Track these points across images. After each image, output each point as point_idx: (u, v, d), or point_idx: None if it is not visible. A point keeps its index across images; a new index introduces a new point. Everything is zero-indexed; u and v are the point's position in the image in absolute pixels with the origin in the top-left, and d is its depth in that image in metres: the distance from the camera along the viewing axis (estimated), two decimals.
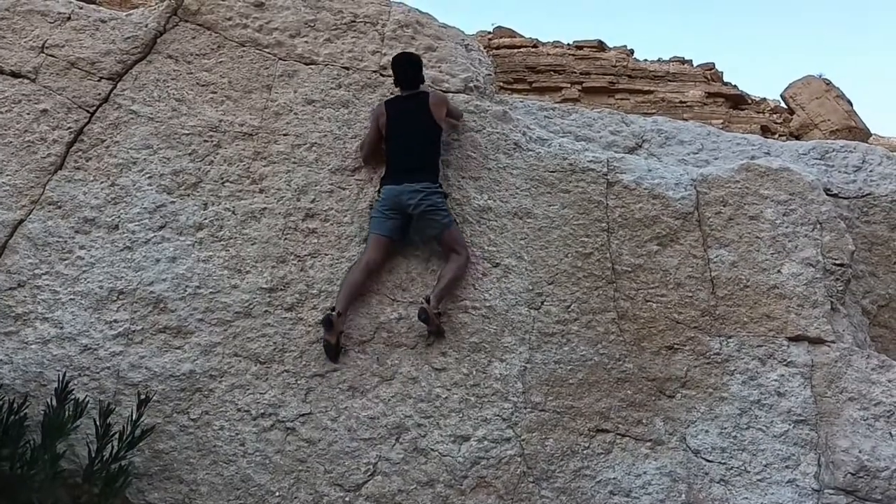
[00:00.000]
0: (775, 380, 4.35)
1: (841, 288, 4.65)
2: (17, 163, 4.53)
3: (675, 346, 4.44)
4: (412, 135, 4.57)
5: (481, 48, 5.63)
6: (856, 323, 4.76)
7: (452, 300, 4.43)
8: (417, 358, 4.31)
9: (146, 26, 5.03)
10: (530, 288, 4.54)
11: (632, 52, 28.42)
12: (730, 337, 4.47)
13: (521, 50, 27.99)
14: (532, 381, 4.30)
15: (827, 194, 5.05)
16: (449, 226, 4.49)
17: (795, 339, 4.45)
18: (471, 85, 5.17)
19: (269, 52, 5.06)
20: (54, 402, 3.68)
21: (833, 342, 4.45)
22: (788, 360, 4.39)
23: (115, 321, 4.21)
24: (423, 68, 4.86)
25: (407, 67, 4.76)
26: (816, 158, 5.55)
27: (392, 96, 4.84)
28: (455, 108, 4.90)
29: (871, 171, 5.49)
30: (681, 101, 26.21)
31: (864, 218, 5.32)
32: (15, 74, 4.79)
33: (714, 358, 4.42)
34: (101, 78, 4.84)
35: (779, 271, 4.61)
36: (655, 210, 4.77)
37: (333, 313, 4.22)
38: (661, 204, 4.79)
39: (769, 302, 4.54)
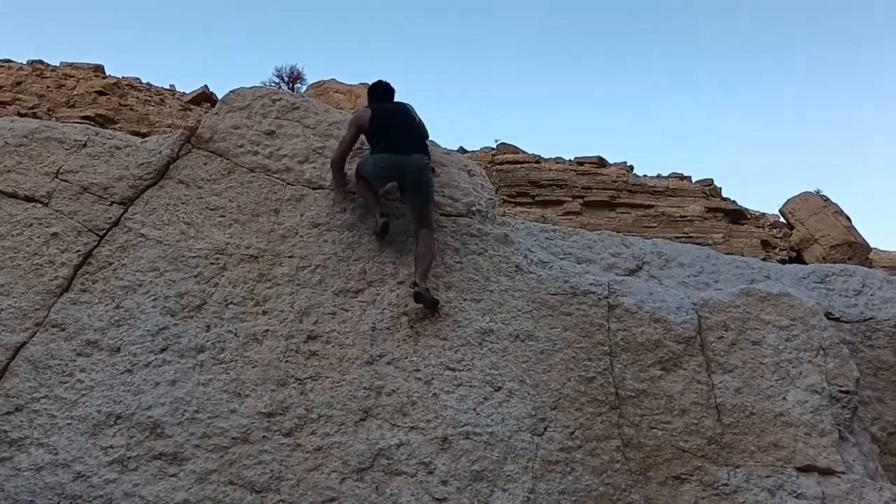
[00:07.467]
0: None
1: (848, 415, 4.58)
2: (24, 285, 4.58)
3: (682, 476, 4.33)
4: (407, 123, 5.08)
5: (483, 173, 5.79)
6: (866, 451, 4.65)
7: (454, 426, 4.37)
8: (417, 487, 4.21)
9: (160, 153, 5.20)
10: (533, 413, 4.48)
11: (631, 167, 29.19)
12: (737, 467, 4.37)
13: (524, 165, 28.79)
14: None
15: (828, 318, 5.05)
16: (432, 201, 5.01)
17: (805, 470, 4.34)
18: (473, 209, 5.29)
19: (277, 178, 5.21)
20: None
21: (843, 473, 4.34)
22: (798, 491, 4.27)
23: (111, 447, 4.14)
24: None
25: (386, 92, 5.36)
26: (816, 282, 5.59)
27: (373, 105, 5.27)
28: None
29: (871, 294, 5.50)
30: (681, 216, 26.65)
31: (867, 342, 5.29)
32: (29, 199, 4.91)
33: (722, 489, 4.30)
34: (113, 202, 4.97)
35: (784, 398, 4.55)
36: (657, 334, 4.77)
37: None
38: (663, 328, 4.79)
39: (776, 430, 4.46)
